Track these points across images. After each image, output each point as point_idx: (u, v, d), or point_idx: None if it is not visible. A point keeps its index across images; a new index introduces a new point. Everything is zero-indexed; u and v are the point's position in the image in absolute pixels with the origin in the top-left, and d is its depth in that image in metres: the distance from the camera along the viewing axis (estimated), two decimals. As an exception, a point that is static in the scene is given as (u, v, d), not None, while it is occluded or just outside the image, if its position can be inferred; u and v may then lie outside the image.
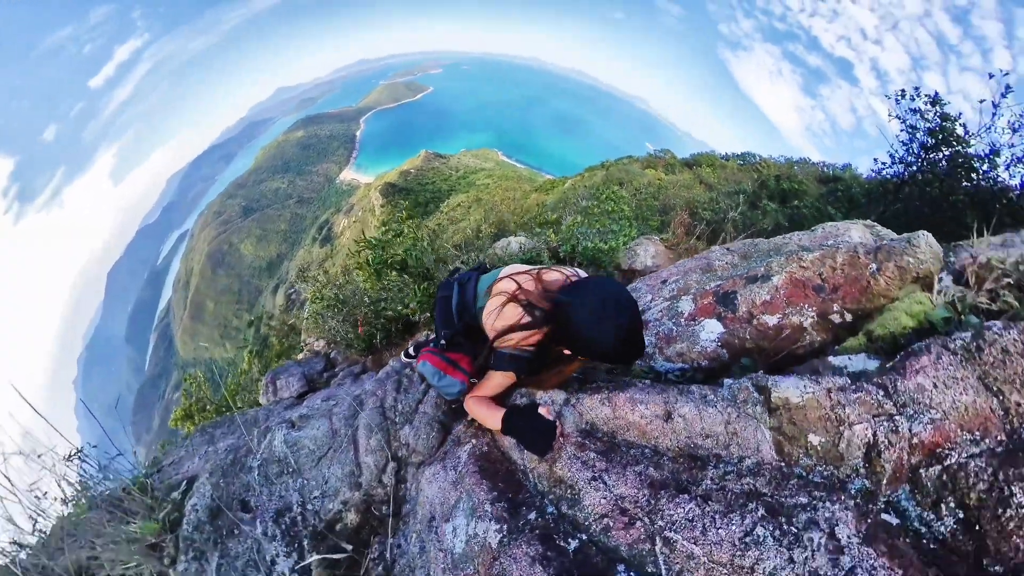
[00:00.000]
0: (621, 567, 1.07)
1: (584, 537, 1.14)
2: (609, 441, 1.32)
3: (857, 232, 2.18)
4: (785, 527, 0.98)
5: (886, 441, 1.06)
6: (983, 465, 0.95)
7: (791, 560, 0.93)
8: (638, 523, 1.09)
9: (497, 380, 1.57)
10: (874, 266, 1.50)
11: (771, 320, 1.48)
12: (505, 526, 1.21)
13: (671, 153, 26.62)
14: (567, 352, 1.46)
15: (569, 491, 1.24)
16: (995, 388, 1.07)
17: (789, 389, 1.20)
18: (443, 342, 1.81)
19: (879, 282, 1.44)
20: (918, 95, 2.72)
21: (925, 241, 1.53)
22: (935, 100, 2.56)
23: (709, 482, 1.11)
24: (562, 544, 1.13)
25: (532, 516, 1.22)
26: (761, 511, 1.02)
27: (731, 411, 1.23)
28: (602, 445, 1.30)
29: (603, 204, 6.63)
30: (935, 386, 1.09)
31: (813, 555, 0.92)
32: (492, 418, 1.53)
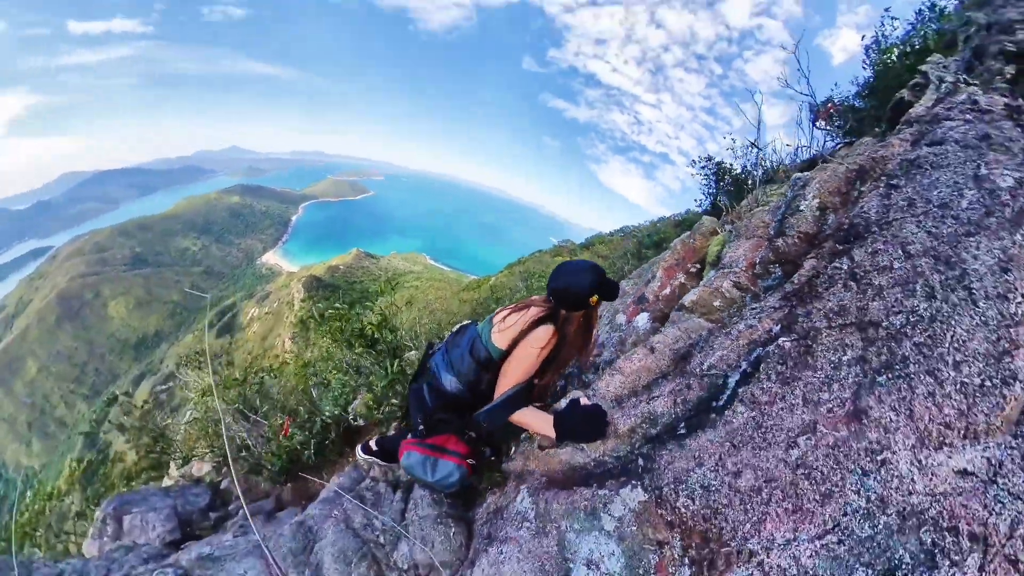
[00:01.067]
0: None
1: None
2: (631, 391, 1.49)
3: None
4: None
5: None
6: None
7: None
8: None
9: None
10: (693, 240, 2.35)
11: (666, 291, 2.12)
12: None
13: (571, 241, 30.47)
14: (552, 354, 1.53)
15: (649, 428, 1.27)
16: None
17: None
18: (421, 428, 1.63)
19: (698, 245, 2.28)
20: (704, 160, 4.18)
21: (708, 220, 2.48)
22: (710, 158, 4.11)
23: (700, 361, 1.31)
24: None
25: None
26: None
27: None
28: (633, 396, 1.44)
29: (534, 285, 7.75)
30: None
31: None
32: (544, 424, 1.47)
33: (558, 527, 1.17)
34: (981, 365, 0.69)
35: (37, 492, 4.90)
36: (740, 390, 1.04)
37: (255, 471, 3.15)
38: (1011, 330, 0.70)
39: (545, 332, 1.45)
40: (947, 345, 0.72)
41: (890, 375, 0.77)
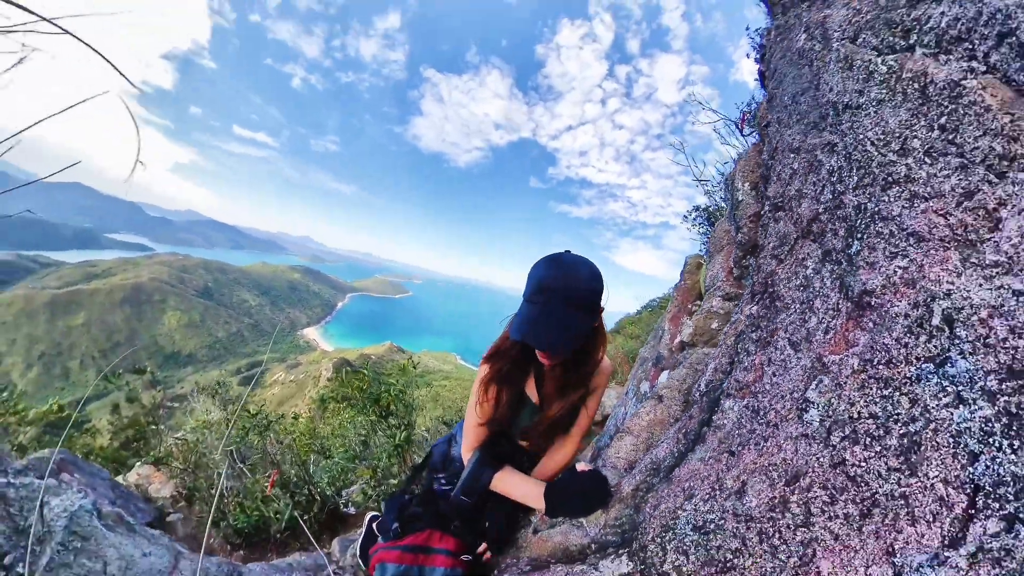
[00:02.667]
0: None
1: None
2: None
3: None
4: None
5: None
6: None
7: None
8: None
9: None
10: (684, 282, 2.15)
11: (677, 340, 1.77)
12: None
13: None
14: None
15: (652, 479, 0.95)
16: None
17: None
18: (396, 526, 1.28)
19: (690, 283, 2.10)
20: (692, 210, 3.73)
21: (691, 257, 2.34)
22: (696, 207, 3.72)
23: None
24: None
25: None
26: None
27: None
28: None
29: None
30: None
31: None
32: (529, 490, 1.14)
33: None
34: (911, 139, 0.55)
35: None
36: (725, 386, 0.80)
37: (215, 522, 2.66)
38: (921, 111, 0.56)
39: (482, 366, 1.20)
40: (869, 161, 0.58)
41: (858, 233, 0.58)
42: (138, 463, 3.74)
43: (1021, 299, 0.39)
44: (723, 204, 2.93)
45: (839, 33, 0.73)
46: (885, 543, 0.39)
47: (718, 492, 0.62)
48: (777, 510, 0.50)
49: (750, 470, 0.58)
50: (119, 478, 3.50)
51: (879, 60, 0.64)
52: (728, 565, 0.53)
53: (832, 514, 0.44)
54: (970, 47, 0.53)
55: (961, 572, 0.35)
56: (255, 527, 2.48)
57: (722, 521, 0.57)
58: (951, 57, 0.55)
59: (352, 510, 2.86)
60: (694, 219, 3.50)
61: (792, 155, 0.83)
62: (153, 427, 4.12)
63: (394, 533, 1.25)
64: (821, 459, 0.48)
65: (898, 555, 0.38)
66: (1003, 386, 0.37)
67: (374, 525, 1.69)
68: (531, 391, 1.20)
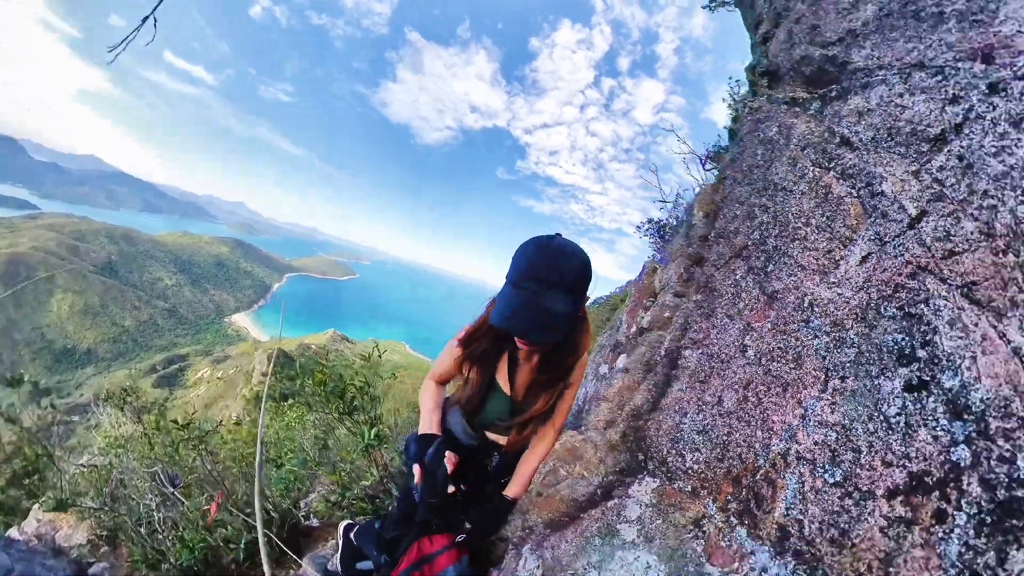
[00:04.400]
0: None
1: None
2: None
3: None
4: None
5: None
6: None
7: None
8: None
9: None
10: (642, 280, 2.32)
11: (633, 329, 1.92)
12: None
13: None
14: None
15: (635, 421, 1.26)
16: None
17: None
18: (384, 558, 1.34)
19: (647, 283, 2.24)
20: (646, 223, 4.42)
21: (649, 260, 2.57)
22: (650, 220, 4.31)
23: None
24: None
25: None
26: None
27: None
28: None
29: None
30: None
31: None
32: (425, 417, 1.29)
33: (574, 572, 0.94)
34: (810, 219, 0.97)
35: None
36: (680, 346, 1.16)
37: (152, 564, 2.32)
38: (819, 180, 0.99)
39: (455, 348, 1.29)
40: (786, 224, 1.01)
41: (771, 261, 1.00)
42: (35, 505, 3.05)
43: (844, 296, 0.81)
44: (675, 220, 3.55)
45: (796, 140, 1.08)
46: (796, 399, 0.81)
47: (703, 405, 0.99)
48: (743, 402, 0.91)
49: (718, 388, 0.98)
50: (12, 531, 2.91)
51: (811, 168, 1.01)
52: (726, 444, 0.90)
53: (771, 395, 0.86)
54: (855, 181, 0.90)
55: (826, 404, 0.73)
56: (203, 562, 2.23)
57: (713, 420, 0.95)
58: (845, 183, 0.92)
59: (315, 522, 2.62)
60: (646, 230, 4.20)
61: (738, 205, 1.21)
62: (46, 457, 3.23)
63: (387, 565, 1.26)
64: (759, 371, 0.91)
65: (803, 402, 0.78)
66: (833, 330, 0.81)
67: (352, 535, 1.67)
68: (502, 378, 1.20)
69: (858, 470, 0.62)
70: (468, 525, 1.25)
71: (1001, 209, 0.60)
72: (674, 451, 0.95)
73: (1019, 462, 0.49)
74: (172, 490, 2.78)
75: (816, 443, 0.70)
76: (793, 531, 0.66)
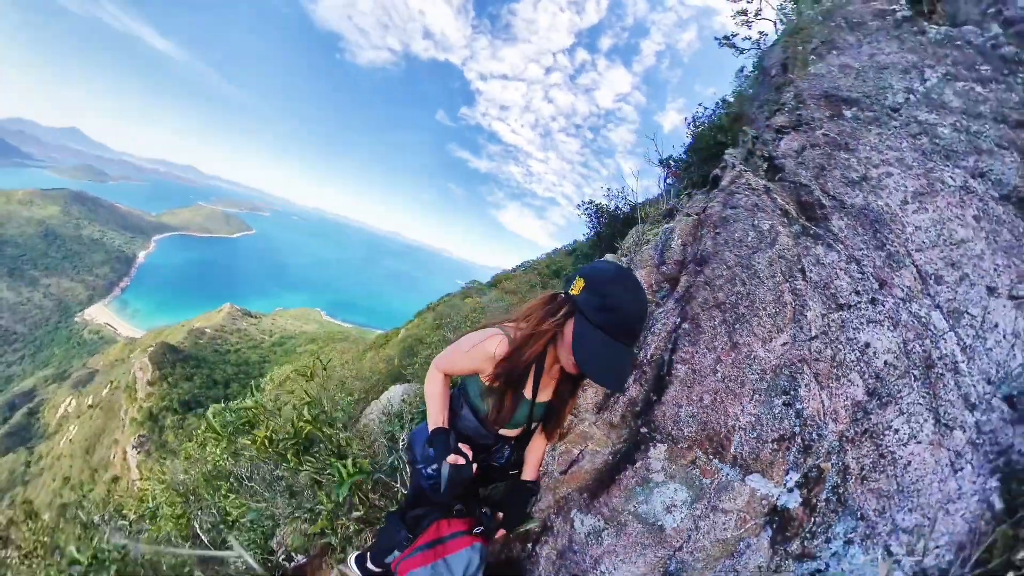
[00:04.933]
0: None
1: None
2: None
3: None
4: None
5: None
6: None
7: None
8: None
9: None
10: None
11: None
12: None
13: (477, 282, 30.77)
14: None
15: (633, 408, 1.66)
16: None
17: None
18: (404, 533, 1.42)
19: None
20: (587, 204, 5.15)
21: (610, 256, 2.77)
22: (591, 202, 5.11)
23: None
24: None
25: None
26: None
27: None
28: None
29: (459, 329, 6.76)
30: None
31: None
32: (433, 412, 1.39)
33: (631, 511, 1.40)
34: (767, 308, 1.46)
35: None
36: (673, 359, 1.53)
37: None
38: (779, 286, 1.49)
39: (495, 363, 1.30)
40: (752, 303, 1.48)
41: (739, 322, 1.47)
42: None
43: (769, 358, 1.42)
44: (616, 207, 4.25)
45: (778, 249, 1.56)
46: (739, 402, 1.41)
47: (691, 402, 1.46)
48: (713, 402, 1.44)
49: (700, 391, 1.46)
50: None
51: (780, 275, 1.51)
52: (705, 422, 1.42)
53: (728, 399, 1.43)
54: (796, 298, 1.47)
55: (752, 405, 1.37)
56: None
57: (698, 411, 1.44)
58: (792, 297, 1.48)
59: (302, 559, 2.27)
60: (585, 209, 4.88)
61: (725, 267, 1.60)
62: None
63: (407, 540, 1.41)
64: (722, 385, 1.45)
65: (743, 404, 1.40)
66: (760, 372, 1.42)
67: (369, 562, 1.72)
68: (527, 387, 1.32)
69: (762, 432, 1.33)
70: (487, 510, 1.41)
71: (841, 352, 1.36)
72: (675, 428, 1.44)
73: (813, 433, 1.33)
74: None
75: (747, 421, 1.35)
76: (739, 456, 1.33)
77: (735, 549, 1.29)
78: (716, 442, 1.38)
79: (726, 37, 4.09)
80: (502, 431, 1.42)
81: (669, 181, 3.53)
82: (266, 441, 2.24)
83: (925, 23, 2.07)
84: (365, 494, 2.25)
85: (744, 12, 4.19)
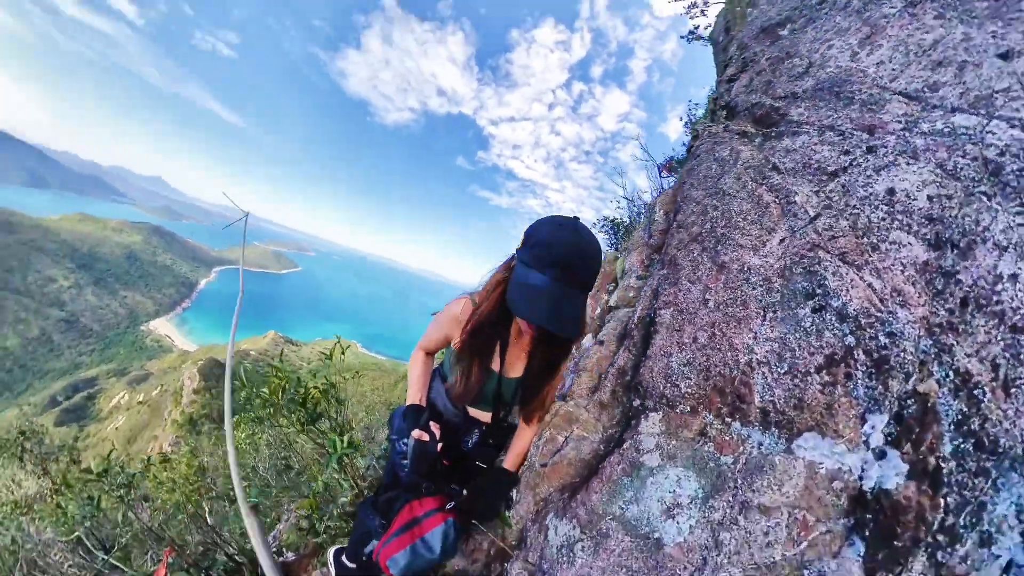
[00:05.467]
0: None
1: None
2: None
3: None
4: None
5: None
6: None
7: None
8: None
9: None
10: (603, 269, 2.68)
11: (598, 311, 2.16)
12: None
13: None
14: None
15: (622, 378, 1.41)
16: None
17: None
18: (378, 521, 1.40)
19: (608, 270, 2.44)
20: (603, 220, 4.83)
21: (609, 252, 2.82)
22: (606, 218, 4.83)
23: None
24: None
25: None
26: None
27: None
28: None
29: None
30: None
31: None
32: (412, 390, 1.40)
33: (614, 514, 1.05)
34: (747, 216, 1.28)
35: None
36: (656, 307, 1.35)
37: None
38: (754, 192, 1.32)
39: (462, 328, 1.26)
40: (730, 219, 1.31)
41: (719, 243, 1.28)
42: None
43: (770, 263, 1.14)
44: (628, 219, 4.25)
45: (742, 163, 1.41)
46: (748, 327, 1.08)
47: (684, 346, 1.17)
48: (712, 338, 1.13)
49: (693, 331, 1.18)
50: None
51: (750, 182, 1.32)
52: (707, 368, 1.09)
53: (731, 328, 1.11)
54: (778, 194, 1.24)
55: (767, 327, 1.06)
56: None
57: (694, 354, 1.14)
58: (772, 194, 1.25)
59: (291, 556, 2.19)
60: (602, 227, 4.73)
61: (695, 204, 1.47)
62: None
63: (381, 527, 1.36)
64: (719, 315, 1.15)
65: (753, 328, 1.06)
66: (764, 283, 1.12)
67: (344, 558, 1.69)
68: (494, 359, 1.26)
69: (796, 360, 0.94)
70: (464, 491, 1.36)
71: (861, 216, 1.00)
72: (669, 384, 1.13)
73: (881, 338, 0.85)
74: (104, 556, 2.18)
75: (767, 351, 0.99)
76: (770, 409, 0.94)
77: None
78: (729, 393, 1.02)
79: (690, 32, 4.16)
80: (472, 412, 1.38)
81: (664, 175, 3.65)
82: (279, 391, 2.23)
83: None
84: (355, 479, 2.26)
85: (694, 4, 4.22)
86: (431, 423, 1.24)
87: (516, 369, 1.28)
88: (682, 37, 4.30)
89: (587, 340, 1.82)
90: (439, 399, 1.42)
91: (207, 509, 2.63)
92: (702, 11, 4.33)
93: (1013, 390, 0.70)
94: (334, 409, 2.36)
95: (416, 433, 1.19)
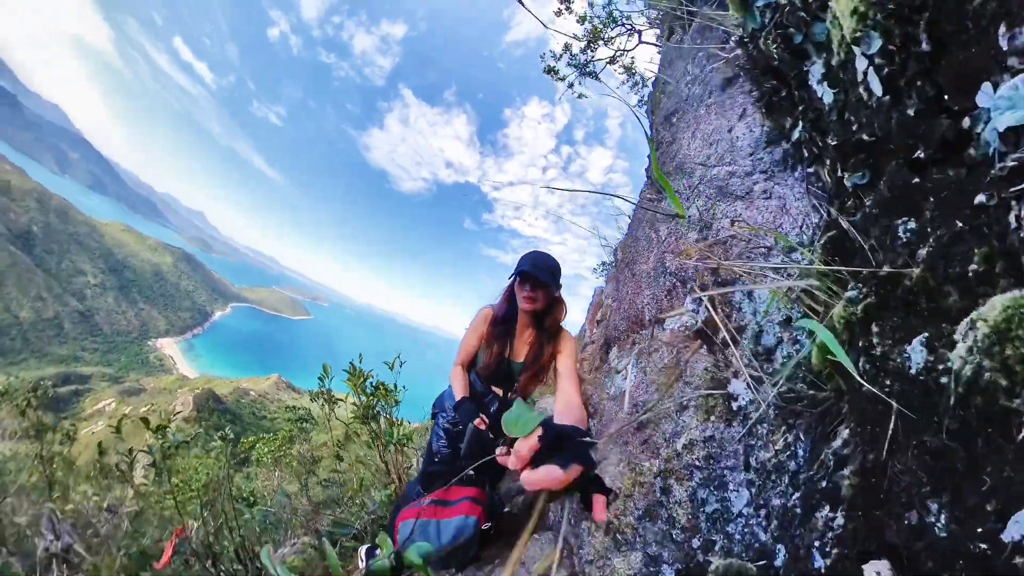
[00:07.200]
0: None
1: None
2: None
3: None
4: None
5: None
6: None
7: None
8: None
9: None
10: (594, 302, 4.50)
11: (594, 328, 3.75)
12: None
13: None
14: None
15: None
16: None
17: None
18: (419, 488, 1.73)
19: (598, 302, 4.05)
20: (602, 265, 5.86)
21: (598, 292, 4.59)
22: (604, 263, 5.88)
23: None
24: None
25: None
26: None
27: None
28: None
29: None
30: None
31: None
32: (456, 386, 1.83)
33: (607, 396, 1.84)
34: (643, 242, 1.93)
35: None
36: (608, 299, 2.41)
37: None
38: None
39: (485, 327, 1.88)
40: (637, 251, 2.14)
41: (632, 267, 2.12)
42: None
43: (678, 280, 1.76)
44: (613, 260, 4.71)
45: (646, 215, 2.14)
46: (642, 305, 1.89)
47: (621, 311, 1.97)
48: (631, 305, 1.92)
49: (622, 304, 2.00)
50: None
51: (647, 226, 1.67)
52: (625, 315, 1.91)
53: (635, 305, 1.90)
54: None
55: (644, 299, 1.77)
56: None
57: (624, 314, 1.95)
58: (656, 227, 1.99)
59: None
60: (601, 272, 5.78)
61: (625, 246, 2.40)
62: None
63: (416, 494, 1.68)
64: (630, 292, 1.95)
65: (645, 307, 1.81)
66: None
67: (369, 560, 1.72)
68: (508, 347, 1.81)
69: (660, 303, 1.68)
70: (499, 496, 1.75)
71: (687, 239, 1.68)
72: (616, 330, 1.92)
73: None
74: (58, 543, 2.29)
75: (648, 300, 1.72)
76: (653, 321, 1.69)
77: (680, 371, 1.38)
78: (636, 322, 1.75)
79: (639, 101, 4.97)
80: (493, 387, 1.81)
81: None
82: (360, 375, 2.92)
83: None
84: (399, 473, 2.80)
85: (635, 83, 5.40)
86: (481, 415, 1.61)
87: (520, 355, 1.80)
88: (639, 103, 5.27)
89: (587, 338, 3.34)
90: (475, 381, 1.85)
91: (229, 507, 2.63)
92: (642, 86, 5.52)
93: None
94: (391, 404, 2.97)
95: (477, 421, 1.57)
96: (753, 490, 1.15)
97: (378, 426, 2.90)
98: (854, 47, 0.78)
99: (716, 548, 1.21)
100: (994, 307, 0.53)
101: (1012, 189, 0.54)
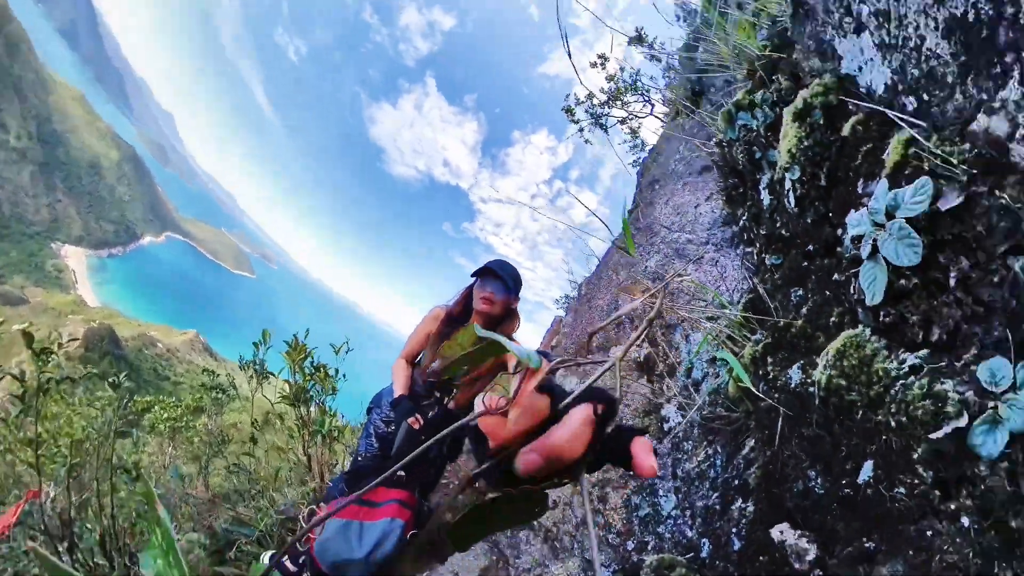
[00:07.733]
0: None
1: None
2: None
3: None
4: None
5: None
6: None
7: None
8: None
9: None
10: (553, 328, 5.24)
11: (549, 346, 4.71)
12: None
13: None
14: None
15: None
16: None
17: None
18: (342, 485, 1.69)
19: (556, 328, 5.12)
20: (564, 298, 6.32)
21: (557, 322, 5.39)
22: (566, 296, 6.47)
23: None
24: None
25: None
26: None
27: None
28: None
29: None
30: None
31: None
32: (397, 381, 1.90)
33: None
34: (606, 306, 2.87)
35: None
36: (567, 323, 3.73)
37: None
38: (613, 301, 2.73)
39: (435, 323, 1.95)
40: (593, 298, 3.08)
41: (589, 302, 3.06)
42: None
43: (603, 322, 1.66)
44: (576, 294, 5.35)
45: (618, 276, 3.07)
46: (591, 324, 3.49)
47: (577, 329, 3.28)
48: (585, 325, 3.30)
49: (579, 325, 3.33)
50: None
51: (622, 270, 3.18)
52: (583, 331, 3.34)
53: (591, 323, 3.28)
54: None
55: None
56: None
57: (580, 331, 3.23)
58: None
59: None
60: (563, 303, 6.14)
61: (597, 289, 3.24)
62: None
63: (340, 492, 1.64)
64: (586, 315, 3.32)
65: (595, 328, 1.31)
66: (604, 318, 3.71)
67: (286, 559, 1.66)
68: None
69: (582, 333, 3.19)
70: (429, 506, 1.63)
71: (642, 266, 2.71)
72: (575, 344, 2.64)
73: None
74: None
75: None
76: (601, 339, 2.52)
77: (622, 395, 1.65)
78: (587, 335, 2.06)
79: (633, 162, 5.62)
80: (433, 390, 1.86)
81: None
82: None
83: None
84: (321, 469, 2.82)
85: (634, 145, 5.81)
86: (416, 415, 1.64)
87: None
88: (633, 163, 5.77)
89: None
90: (416, 383, 1.89)
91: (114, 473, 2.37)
92: (640, 149, 6.04)
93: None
94: (327, 387, 2.97)
95: (411, 420, 1.59)
96: (680, 495, 1.50)
97: (308, 412, 2.84)
98: (785, 172, 1.18)
99: (649, 548, 1.49)
100: (838, 339, 0.98)
101: (851, 271, 0.98)
